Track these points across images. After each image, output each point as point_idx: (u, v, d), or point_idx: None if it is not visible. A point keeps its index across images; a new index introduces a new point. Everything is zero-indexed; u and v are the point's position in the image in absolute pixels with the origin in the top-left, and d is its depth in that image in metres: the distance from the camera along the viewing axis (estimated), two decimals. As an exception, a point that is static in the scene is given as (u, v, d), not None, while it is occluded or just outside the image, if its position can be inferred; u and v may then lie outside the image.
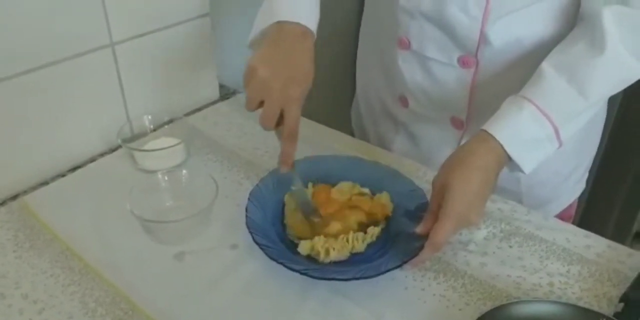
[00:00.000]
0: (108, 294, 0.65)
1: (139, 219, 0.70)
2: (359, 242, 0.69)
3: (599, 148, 1.00)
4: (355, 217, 0.73)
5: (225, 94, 1.07)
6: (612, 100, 0.91)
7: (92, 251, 0.71)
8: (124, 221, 0.72)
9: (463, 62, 0.81)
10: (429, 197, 0.71)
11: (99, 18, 0.82)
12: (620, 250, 0.72)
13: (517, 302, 0.62)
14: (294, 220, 0.73)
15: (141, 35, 0.88)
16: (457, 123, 0.88)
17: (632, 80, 0.71)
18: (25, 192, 0.81)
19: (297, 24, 0.70)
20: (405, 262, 0.66)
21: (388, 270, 0.65)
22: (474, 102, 0.85)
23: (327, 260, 0.68)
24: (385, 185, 0.78)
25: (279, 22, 0.70)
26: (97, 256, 0.70)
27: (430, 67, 0.84)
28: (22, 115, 0.78)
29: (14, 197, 0.80)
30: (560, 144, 0.70)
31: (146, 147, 0.85)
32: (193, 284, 0.67)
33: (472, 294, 0.66)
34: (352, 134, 1.10)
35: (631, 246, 0.73)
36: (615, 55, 0.67)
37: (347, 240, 0.69)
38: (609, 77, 0.69)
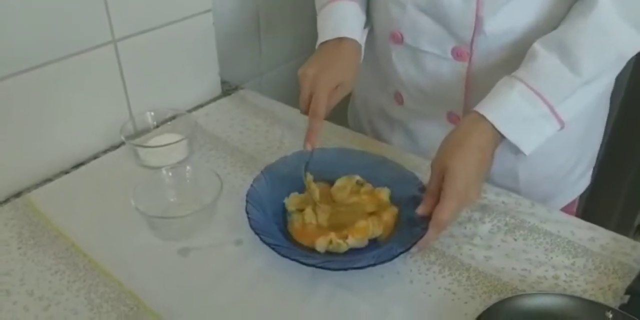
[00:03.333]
0: (113, 290, 0.65)
1: (143, 215, 0.70)
2: (377, 227, 0.71)
3: (601, 141, 0.99)
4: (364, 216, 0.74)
5: (227, 89, 1.07)
6: (614, 93, 0.91)
7: (97, 247, 0.71)
8: (128, 217, 0.72)
9: (457, 54, 0.80)
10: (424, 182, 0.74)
11: (101, 15, 0.82)
12: (624, 243, 0.71)
13: (522, 295, 0.62)
14: (297, 226, 0.73)
15: (143, 32, 0.88)
16: (453, 118, 0.87)
17: (627, 50, 0.70)
18: (29, 189, 0.81)
19: (337, 38, 0.79)
20: (414, 244, 0.67)
21: (401, 253, 0.66)
22: (470, 97, 0.84)
23: (347, 248, 0.69)
24: (377, 172, 0.79)
25: (322, 43, 0.80)
26: (101, 252, 0.70)
27: (423, 61, 0.84)
28: (24, 112, 0.78)
29: (18, 194, 0.80)
30: (562, 124, 0.70)
31: (149, 143, 0.85)
32: (198, 279, 0.67)
33: (477, 287, 0.66)
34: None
35: (634, 239, 0.72)
36: (603, 20, 0.67)
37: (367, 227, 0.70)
38: (598, 43, 0.68)
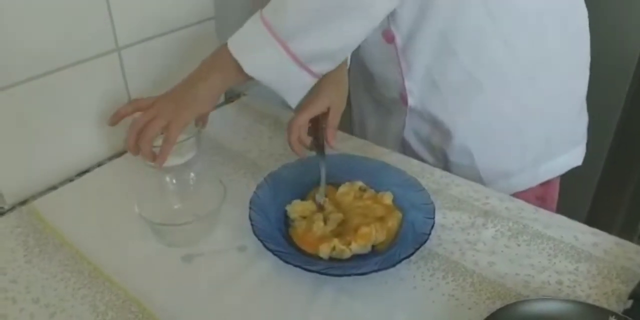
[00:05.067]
0: (118, 297, 0.66)
1: (147, 222, 0.70)
2: (380, 233, 0.71)
3: (605, 145, 0.99)
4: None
5: (231, 96, 1.07)
6: (618, 93, 0.90)
7: (101, 255, 0.71)
8: (132, 224, 0.73)
9: (387, 37, 0.85)
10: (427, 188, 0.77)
11: (105, 23, 0.82)
12: (627, 247, 0.71)
13: (526, 301, 0.62)
14: (299, 232, 0.73)
15: (147, 40, 0.89)
16: (405, 100, 0.92)
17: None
18: (34, 197, 0.81)
19: None
20: (417, 249, 0.67)
21: (404, 259, 0.66)
22: (408, 80, 0.89)
23: (350, 255, 0.69)
24: (379, 177, 0.79)
25: None
26: (106, 260, 0.71)
27: (366, 47, 0.90)
28: (29, 120, 0.79)
29: (23, 202, 0.80)
30: (287, 49, 0.71)
31: (156, 143, 0.84)
32: (202, 286, 0.67)
33: (481, 293, 0.66)
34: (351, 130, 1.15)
35: (638, 244, 0.72)
36: None
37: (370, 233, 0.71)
38: None
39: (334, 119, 0.81)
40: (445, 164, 0.94)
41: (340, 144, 0.92)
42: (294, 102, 0.77)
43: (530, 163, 0.94)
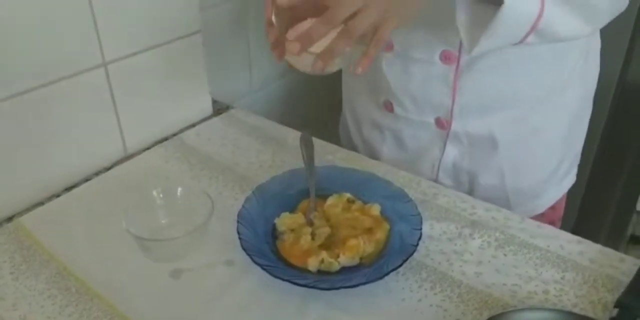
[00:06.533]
0: (106, 314, 0.65)
1: (134, 238, 0.70)
2: (369, 245, 0.71)
3: (592, 151, 1.01)
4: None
5: (219, 109, 1.07)
6: (603, 103, 0.92)
7: (89, 271, 0.71)
8: (120, 240, 0.72)
9: (445, 58, 0.81)
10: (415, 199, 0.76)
11: (91, 38, 0.82)
12: (612, 256, 0.72)
13: (513, 311, 0.63)
14: (287, 245, 0.74)
15: (134, 54, 0.89)
16: (441, 124, 0.89)
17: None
18: (20, 213, 0.81)
19: None
20: (405, 261, 0.67)
21: (392, 271, 0.66)
22: (457, 102, 0.85)
23: (339, 267, 0.69)
24: (367, 189, 0.80)
25: None
26: (93, 276, 0.70)
27: (412, 67, 0.85)
28: (15, 136, 0.79)
29: (10, 219, 0.80)
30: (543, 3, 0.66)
31: None
32: (190, 301, 0.67)
33: (468, 303, 0.66)
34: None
35: (626, 250, 0.73)
36: None
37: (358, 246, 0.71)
38: None
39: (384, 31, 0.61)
40: (469, 187, 0.93)
41: (328, 155, 0.92)
42: (473, 45, 0.67)
43: (557, 180, 0.96)
